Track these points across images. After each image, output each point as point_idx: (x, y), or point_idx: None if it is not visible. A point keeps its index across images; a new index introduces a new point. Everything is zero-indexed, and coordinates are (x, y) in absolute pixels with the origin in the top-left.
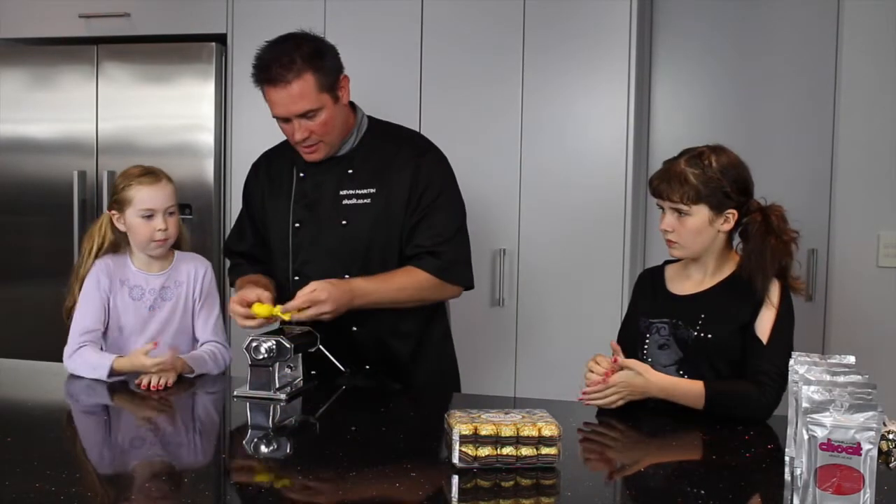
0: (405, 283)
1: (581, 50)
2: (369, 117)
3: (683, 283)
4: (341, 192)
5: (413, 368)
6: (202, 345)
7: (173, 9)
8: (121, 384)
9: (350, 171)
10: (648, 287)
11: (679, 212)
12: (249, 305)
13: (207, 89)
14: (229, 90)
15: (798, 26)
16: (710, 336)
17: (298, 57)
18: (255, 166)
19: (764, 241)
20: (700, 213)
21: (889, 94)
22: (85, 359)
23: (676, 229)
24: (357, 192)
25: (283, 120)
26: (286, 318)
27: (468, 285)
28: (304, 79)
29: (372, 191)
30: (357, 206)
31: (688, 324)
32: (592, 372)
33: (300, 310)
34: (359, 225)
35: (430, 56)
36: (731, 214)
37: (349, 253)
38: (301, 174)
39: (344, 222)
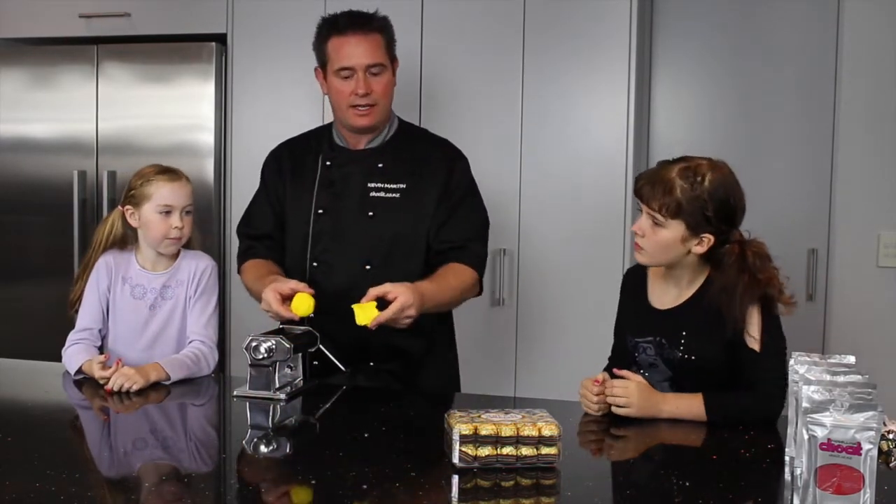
0: (455, 284)
1: (581, 50)
2: (399, 118)
3: (662, 297)
4: (369, 185)
5: (419, 368)
6: (190, 342)
7: (173, 9)
8: None
9: (381, 165)
10: (632, 295)
11: (654, 220)
12: (286, 298)
13: (207, 89)
14: (229, 90)
15: (798, 26)
16: (693, 358)
17: (379, 20)
18: (276, 153)
19: (737, 277)
20: (675, 229)
21: (889, 94)
22: (69, 355)
23: (647, 235)
24: (386, 185)
25: (346, 76)
26: (368, 324)
27: (482, 284)
28: (377, 36)
29: (402, 186)
30: (385, 199)
31: (671, 343)
32: (587, 396)
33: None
34: (386, 218)
35: (430, 56)
36: (707, 239)
37: (373, 245)
38: (327, 162)
39: (371, 214)
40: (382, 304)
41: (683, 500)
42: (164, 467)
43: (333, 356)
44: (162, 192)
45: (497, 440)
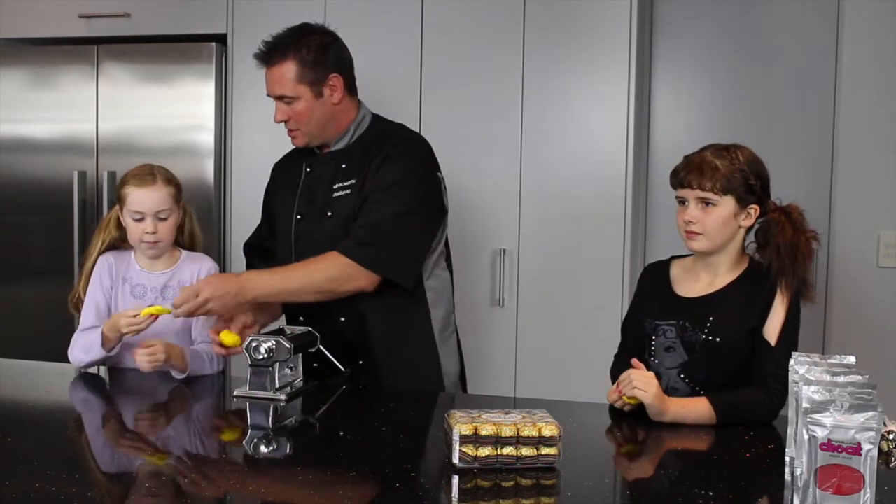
0: (293, 272)
1: (581, 50)
2: (376, 116)
3: (692, 285)
4: (334, 186)
5: (396, 366)
6: (198, 344)
7: (173, 9)
8: (122, 384)
9: (344, 166)
10: (654, 286)
11: (706, 202)
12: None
13: (207, 89)
14: (229, 90)
15: (798, 26)
16: (717, 339)
17: (291, 45)
18: (275, 167)
19: (794, 238)
20: (727, 205)
21: (889, 93)
22: (80, 344)
23: (701, 220)
24: (344, 183)
25: (275, 103)
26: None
27: (383, 273)
28: (284, 66)
29: (353, 181)
30: (341, 197)
31: (695, 326)
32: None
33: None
34: (340, 215)
35: (430, 56)
36: (754, 210)
37: (331, 243)
38: (308, 169)
39: (329, 213)
40: None
41: (684, 500)
42: (164, 467)
43: (333, 357)
44: (132, 198)
45: (497, 440)
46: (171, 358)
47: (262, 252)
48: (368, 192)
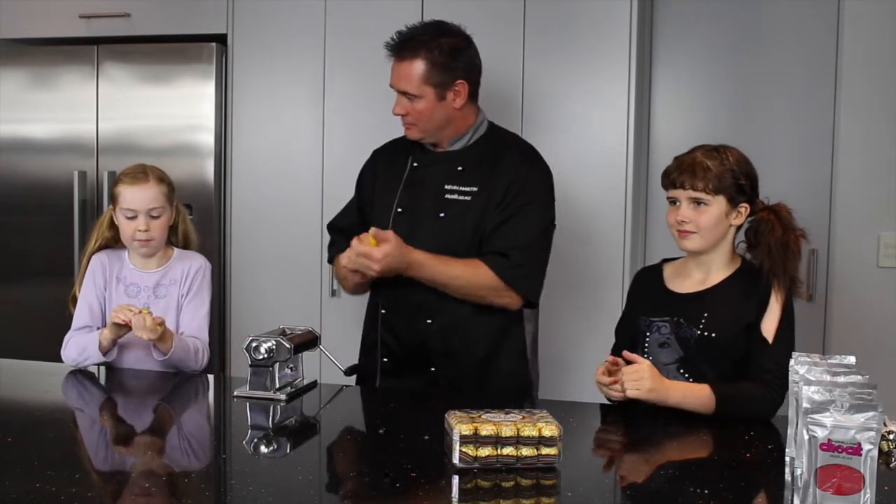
0: (462, 271)
1: (581, 51)
2: (491, 123)
3: (684, 282)
4: (446, 187)
5: (482, 377)
6: (187, 336)
7: (173, 9)
8: (120, 384)
9: (460, 168)
10: (647, 286)
11: (698, 202)
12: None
13: (207, 89)
14: (229, 90)
15: (798, 26)
16: (713, 335)
17: (424, 43)
18: (375, 153)
19: (784, 236)
20: (718, 204)
21: (889, 94)
22: (73, 343)
23: (693, 220)
24: (461, 188)
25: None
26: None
27: (529, 296)
28: (413, 64)
29: (475, 189)
30: (458, 201)
31: (690, 322)
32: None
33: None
34: (455, 219)
35: None
36: (744, 209)
37: (441, 244)
38: (414, 164)
39: (442, 214)
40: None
41: (684, 500)
42: (164, 467)
43: (335, 358)
44: (124, 196)
45: (497, 440)
46: (164, 337)
47: (347, 234)
48: (511, 208)
